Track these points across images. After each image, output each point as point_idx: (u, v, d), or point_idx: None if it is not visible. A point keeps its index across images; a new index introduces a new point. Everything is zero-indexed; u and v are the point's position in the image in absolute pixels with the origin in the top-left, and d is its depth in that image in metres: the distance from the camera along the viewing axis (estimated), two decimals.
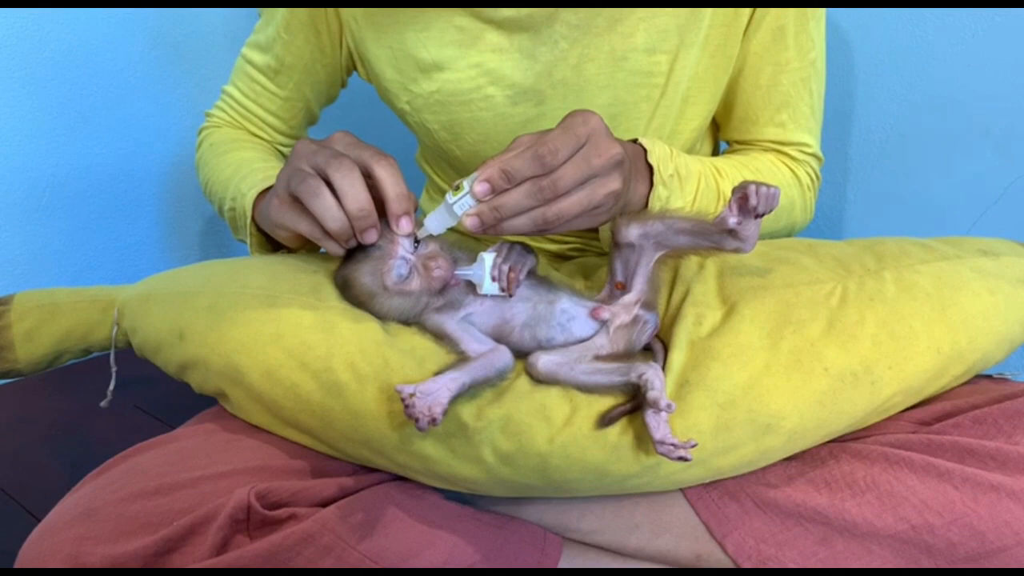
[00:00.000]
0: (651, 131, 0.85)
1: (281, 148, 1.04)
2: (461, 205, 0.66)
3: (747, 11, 0.84)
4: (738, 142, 0.95)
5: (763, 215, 0.66)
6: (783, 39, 0.87)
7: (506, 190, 0.64)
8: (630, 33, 0.81)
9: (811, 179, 0.95)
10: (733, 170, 0.86)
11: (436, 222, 0.68)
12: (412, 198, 0.70)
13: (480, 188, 0.64)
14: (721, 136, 0.99)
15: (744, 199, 0.65)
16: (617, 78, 0.82)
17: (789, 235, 0.95)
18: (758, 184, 0.64)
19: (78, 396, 1.19)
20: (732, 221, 0.67)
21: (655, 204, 0.76)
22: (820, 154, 0.96)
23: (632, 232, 0.70)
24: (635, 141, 0.77)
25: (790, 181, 0.92)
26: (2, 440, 1.11)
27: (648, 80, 0.83)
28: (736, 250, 0.69)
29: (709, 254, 0.73)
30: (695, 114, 0.88)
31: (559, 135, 0.64)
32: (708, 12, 0.82)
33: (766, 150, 0.93)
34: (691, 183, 0.80)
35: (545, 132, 0.65)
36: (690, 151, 0.93)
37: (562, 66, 0.82)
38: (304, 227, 0.70)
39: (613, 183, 0.67)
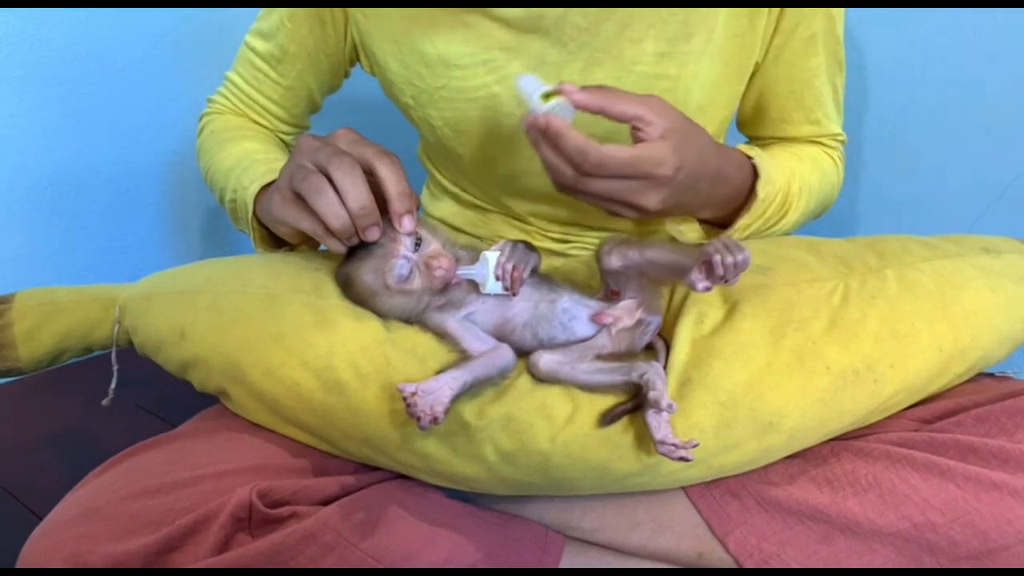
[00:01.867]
0: None
1: (283, 136, 1.04)
2: (560, 107, 0.68)
3: (762, 21, 0.83)
4: (773, 138, 0.95)
5: (730, 282, 0.64)
6: (814, 46, 0.87)
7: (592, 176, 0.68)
8: (639, 38, 0.80)
9: (841, 161, 0.98)
10: (802, 168, 0.88)
11: (532, 86, 0.70)
12: (414, 196, 0.70)
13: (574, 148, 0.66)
14: (749, 131, 0.98)
15: (710, 267, 0.63)
16: (625, 83, 0.81)
17: (823, 212, 0.97)
18: (724, 252, 0.62)
19: (80, 394, 1.19)
20: (701, 287, 0.65)
21: (734, 230, 0.81)
22: (844, 135, 0.98)
23: (613, 261, 0.70)
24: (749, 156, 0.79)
25: (832, 168, 0.94)
26: (4, 438, 1.11)
27: (656, 85, 0.81)
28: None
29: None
30: (709, 121, 0.86)
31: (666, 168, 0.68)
32: (720, 22, 0.80)
33: (806, 143, 0.94)
34: (767, 204, 0.81)
35: (663, 155, 0.68)
36: None
37: (570, 69, 0.81)
38: (306, 225, 0.70)
39: (630, 214, 0.71)
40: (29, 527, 0.64)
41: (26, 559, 0.61)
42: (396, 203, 0.68)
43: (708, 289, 0.65)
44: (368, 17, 0.87)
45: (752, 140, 0.98)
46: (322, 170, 0.68)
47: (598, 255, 0.71)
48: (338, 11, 0.91)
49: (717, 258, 0.62)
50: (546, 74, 0.81)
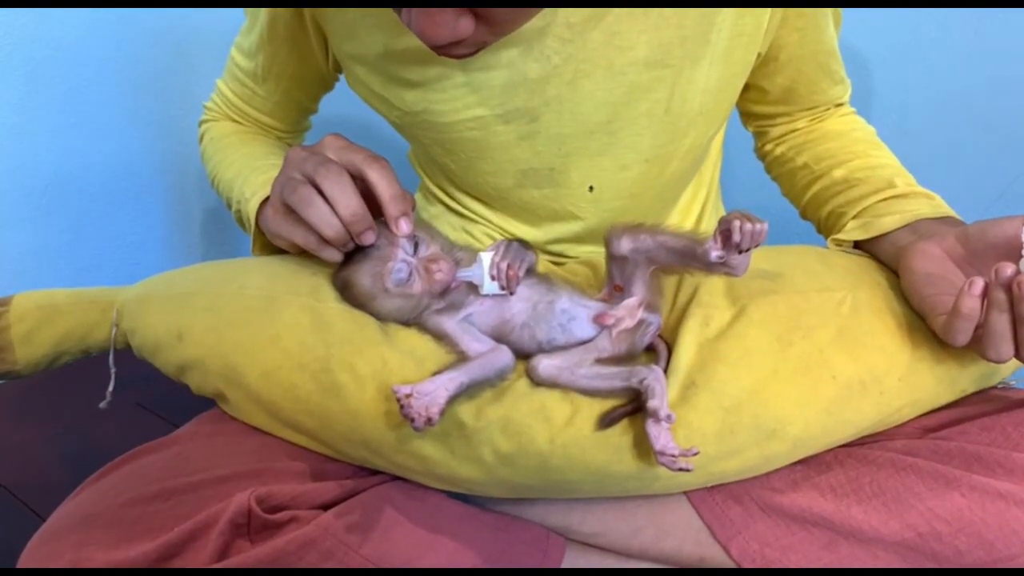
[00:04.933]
0: (654, 147, 0.82)
1: (285, 141, 1.03)
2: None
3: (766, 17, 0.80)
4: (802, 109, 0.94)
5: (748, 250, 0.63)
6: (826, 18, 0.86)
7: None
8: (629, 47, 0.76)
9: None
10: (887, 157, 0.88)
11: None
12: (409, 198, 0.69)
13: None
14: (772, 110, 0.95)
15: (728, 233, 0.63)
16: (616, 94, 0.78)
17: None
18: (743, 220, 0.61)
19: (81, 393, 1.18)
20: (714, 255, 0.64)
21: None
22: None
23: (624, 245, 0.69)
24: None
25: (871, 129, 0.93)
26: (5, 437, 1.11)
27: (649, 95, 0.79)
28: (727, 275, 0.67)
29: (701, 274, 0.71)
30: (711, 123, 0.85)
31: None
32: (727, 25, 0.77)
33: (836, 107, 0.93)
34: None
35: None
36: (701, 157, 0.92)
37: (556, 82, 0.78)
38: (299, 237, 0.70)
39: None
40: (30, 526, 0.64)
41: (24, 566, 0.61)
42: (390, 207, 0.67)
43: (721, 258, 0.64)
44: (347, 42, 0.84)
45: (775, 117, 0.96)
46: (310, 180, 0.67)
47: (607, 240, 0.70)
48: (316, 33, 0.88)
49: (736, 224, 0.61)
50: (530, 91, 0.78)
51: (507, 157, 0.83)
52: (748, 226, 0.61)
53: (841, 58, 0.91)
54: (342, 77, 0.98)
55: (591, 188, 0.84)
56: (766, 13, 0.80)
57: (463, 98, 0.79)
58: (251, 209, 0.81)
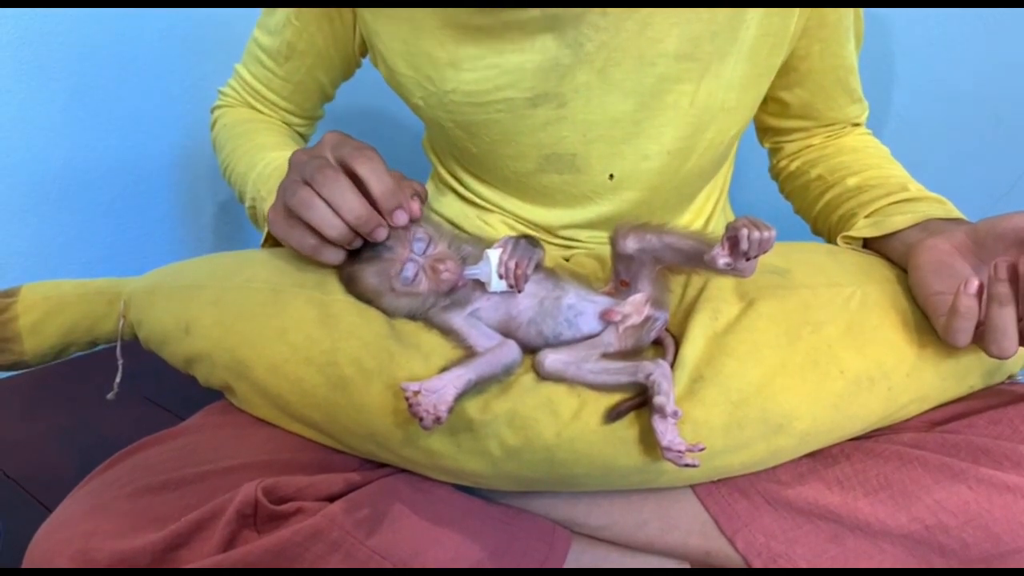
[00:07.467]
0: (677, 140, 0.83)
1: (297, 128, 1.03)
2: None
3: (794, 20, 0.81)
4: (819, 125, 0.94)
5: (755, 258, 0.63)
6: (848, 33, 0.87)
7: None
8: (660, 38, 0.77)
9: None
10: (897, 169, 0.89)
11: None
12: (404, 187, 0.69)
13: None
14: (790, 124, 0.95)
15: (735, 240, 0.62)
16: (644, 84, 0.79)
17: None
18: (751, 227, 0.61)
19: (89, 387, 1.19)
20: (722, 262, 0.63)
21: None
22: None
23: (629, 244, 0.68)
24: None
25: (884, 148, 0.94)
26: (13, 430, 1.11)
27: (676, 88, 0.79)
28: (735, 276, 0.66)
29: (708, 275, 0.71)
30: (735, 122, 0.86)
31: None
32: (754, 23, 0.78)
33: (853, 127, 0.94)
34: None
35: None
36: (721, 156, 0.92)
37: (586, 69, 0.78)
38: (295, 241, 0.69)
39: None
40: (38, 518, 0.64)
41: (32, 557, 0.61)
42: (383, 203, 0.67)
43: (729, 265, 0.63)
44: (376, 17, 0.84)
45: (792, 133, 0.96)
46: (309, 184, 0.67)
47: (613, 239, 0.70)
48: (346, 10, 0.89)
49: (744, 232, 0.60)
50: (560, 76, 0.79)
51: (531, 141, 0.83)
52: (756, 234, 0.60)
53: (859, 77, 0.92)
54: (362, 63, 0.98)
55: (611, 176, 0.85)
56: (792, 15, 0.80)
57: (494, 80, 0.80)
58: (267, 208, 0.80)
